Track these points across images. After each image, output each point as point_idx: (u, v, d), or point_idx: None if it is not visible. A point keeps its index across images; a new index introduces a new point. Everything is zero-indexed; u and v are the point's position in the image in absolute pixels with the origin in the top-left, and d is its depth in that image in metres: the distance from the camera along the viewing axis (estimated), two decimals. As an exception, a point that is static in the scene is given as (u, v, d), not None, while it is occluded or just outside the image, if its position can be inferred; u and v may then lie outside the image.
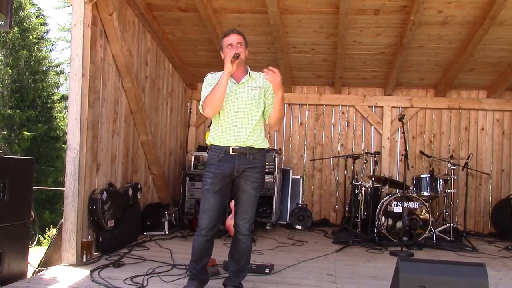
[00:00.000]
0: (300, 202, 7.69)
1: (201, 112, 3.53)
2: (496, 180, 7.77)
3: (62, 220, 4.63)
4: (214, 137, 3.56)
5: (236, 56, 3.40)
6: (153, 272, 4.22)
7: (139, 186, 5.96)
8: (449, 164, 6.78)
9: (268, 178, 6.86)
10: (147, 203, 6.55)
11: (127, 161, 5.93)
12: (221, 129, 3.53)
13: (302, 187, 7.95)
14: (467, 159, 7.02)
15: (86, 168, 4.69)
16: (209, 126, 3.79)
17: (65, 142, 14.22)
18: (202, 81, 3.67)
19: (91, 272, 4.16)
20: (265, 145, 3.60)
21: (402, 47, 6.45)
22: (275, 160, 6.93)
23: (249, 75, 3.61)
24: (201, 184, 3.56)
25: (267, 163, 6.84)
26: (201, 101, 3.53)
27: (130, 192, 5.66)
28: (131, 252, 5.06)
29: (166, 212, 6.32)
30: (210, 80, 3.57)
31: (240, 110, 3.50)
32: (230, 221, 5.17)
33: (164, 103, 7.15)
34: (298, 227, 7.23)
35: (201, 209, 3.51)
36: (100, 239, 4.93)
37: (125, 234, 5.40)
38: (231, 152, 3.46)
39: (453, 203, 6.73)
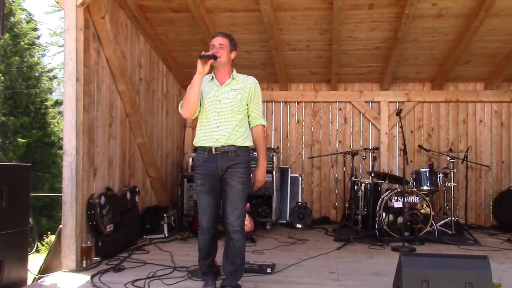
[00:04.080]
0: (299, 200, 7.65)
1: (180, 113, 3.66)
2: (496, 172, 7.75)
3: (60, 226, 4.58)
4: (198, 139, 3.66)
5: (206, 56, 3.46)
6: (154, 275, 4.18)
7: (137, 189, 5.90)
8: (448, 157, 6.76)
9: (266, 178, 6.80)
10: (145, 206, 6.50)
11: (124, 164, 5.87)
12: (204, 130, 3.61)
13: (301, 185, 7.92)
14: (466, 151, 7.00)
15: (83, 172, 4.63)
16: None
17: (60, 148, 14.13)
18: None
19: (92, 277, 4.11)
20: (248, 143, 3.65)
21: (397, 41, 6.42)
22: (273, 159, 6.87)
23: (233, 77, 3.65)
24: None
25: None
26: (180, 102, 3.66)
27: (128, 195, 5.61)
28: (131, 256, 5.00)
29: (165, 215, 6.27)
30: None
31: (221, 111, 3.56)
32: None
33: (159, 105, 7.09)
34: (299, 225, 7.19)
35: (199, 209, 3.65)
36: (100, 244, 4.88)
37: (125, 238, 5.35)
38: (213, 152, 3.54)
39: (453, 196, 6.72)
